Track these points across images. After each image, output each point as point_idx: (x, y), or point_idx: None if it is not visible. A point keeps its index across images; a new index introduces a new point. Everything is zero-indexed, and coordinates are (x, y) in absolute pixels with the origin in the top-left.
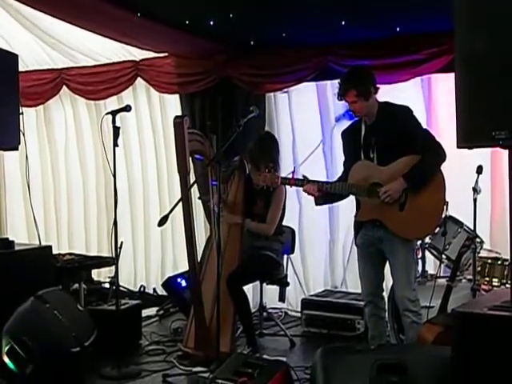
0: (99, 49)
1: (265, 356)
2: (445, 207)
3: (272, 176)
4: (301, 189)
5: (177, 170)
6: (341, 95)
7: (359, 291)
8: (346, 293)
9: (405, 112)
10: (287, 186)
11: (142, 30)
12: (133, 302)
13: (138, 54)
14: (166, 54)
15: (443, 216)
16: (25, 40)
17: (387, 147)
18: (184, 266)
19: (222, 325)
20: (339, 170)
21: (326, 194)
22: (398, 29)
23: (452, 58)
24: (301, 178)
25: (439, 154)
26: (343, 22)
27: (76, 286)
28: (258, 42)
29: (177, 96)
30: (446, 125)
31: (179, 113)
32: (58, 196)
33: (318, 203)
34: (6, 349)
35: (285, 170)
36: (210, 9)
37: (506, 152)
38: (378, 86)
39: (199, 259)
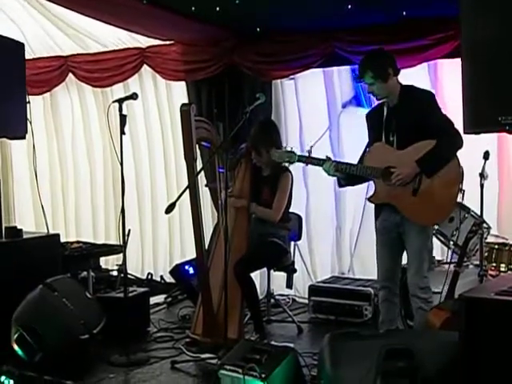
0: (106, 33)
1: (272, 342)
2: (460, 195)
3: (289, 153)
4: (309, 174)
5: (184, 158)
6: (359, 77)
7: (366, 277)
8: (353, 279)
9: (426, 97)
10: (293, 174)
11: (148, 17)
12: (141, 290)
13: (143, 40)
14: (172, 42)
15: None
16: (33, 24)
17: (407, 131)
18: (192, 254)
19: (230, 311)
20: (346, 155)
21: (347, 175)
22: (404, 13)
23: (459, 43)
24: (319, 157)
25: (455, 141)
26: (349, 7)
27: (84, 273)
28: (264, 29)
29: (183, 83)
30: (453, 110)
31: (186, 100)
32: (65, 184)
33: (340, 185)
34: (16, 336)
35: None
36: None
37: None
38: (398, 68)
39: (207, 246)
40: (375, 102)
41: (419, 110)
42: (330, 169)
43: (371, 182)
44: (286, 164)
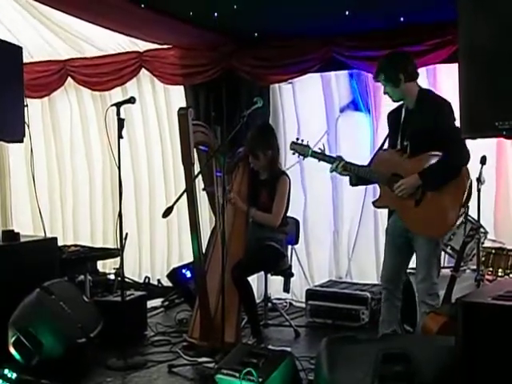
0: (104, 37)
1: (270, 346)
2: (463, 210)
3: (304, 147)
4: (306, 178)
5: (181, 162)
6: (374, 77)
7: (364, 282)
8: (351, 283)
9: (441, 106)
10: (290, 178)
11: (146, 21)
12: (138, 293)
13: (142, 45)
14: (170, 46)
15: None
16: (30, 29)
17: (420, 138)
18: (189, 257)
19: (227, 315)
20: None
21: (356, 176)
22: (402, 19)
23: (456, 48)
24: (332, 154)
25: (461, 156)
26: (347, 12)
27: (81, 277)
28: (262, 33)
29: (181, 87)
30: None
31: (184, 104)
32: (63, 188)
33: (351, 183)
34: (13, 340)
35: (289, 161)
36: (214, 0)
37: (510, 142)
38: (416, 72)
39: (204, 250)
40: (373, 107)
41: (432, 118)
42: (338, 168)
43: (371, 187)
44: (301, 157)
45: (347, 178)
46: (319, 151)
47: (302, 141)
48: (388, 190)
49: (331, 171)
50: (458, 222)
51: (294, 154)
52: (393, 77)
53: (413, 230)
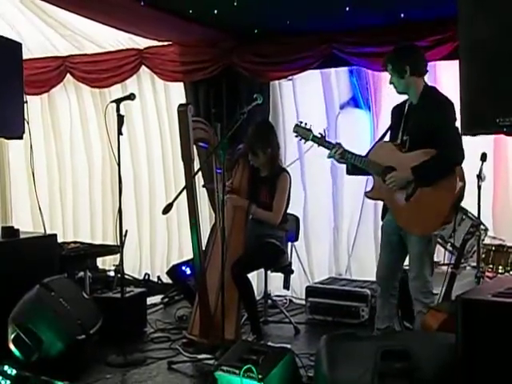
0: (104, 34)
1: (269, 343)
2: (453, 210)
3: (306, 131)
4: (306, 175)
5: (181, 158)
6: (382, 66)
7: (364, 278)
8: (351, 280)
9: (442, 104)
10: (291, 175)
11: (146, 18)
12: (138, 290)
13: (141, 42)
14: (170, 43)
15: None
16: (30, 26)
17: (419, 134)
18: (189, 254)
19: (227, 312)
20: None
21: (352, 165)
22: (402, 15)
23: (457, 44)
24: (332, 141)
25: (454, 155)
26: (347, 9)
27: (81, 274)
28: (262, 30)
29: (181, 84)
30: None
31: (184, 100)
32: (63, 185)
33: (348, 171)
34: (12, 336)
35: (290, 158)
36: None
37: (509, 139)
38: (423, 68)
39: (204, 247)
40: (373, 104)
41: (432, 115)
42: (335, 154)
43: (371, 184)
44: (303, 141)
45: (347, 177)
46: (319, 136)
47: (306, 124)
48: (381, 182)
49: (328, 157)
50: (450, 223)
51: (296, 136)
52: (398, 68)
53: (401, 225)
